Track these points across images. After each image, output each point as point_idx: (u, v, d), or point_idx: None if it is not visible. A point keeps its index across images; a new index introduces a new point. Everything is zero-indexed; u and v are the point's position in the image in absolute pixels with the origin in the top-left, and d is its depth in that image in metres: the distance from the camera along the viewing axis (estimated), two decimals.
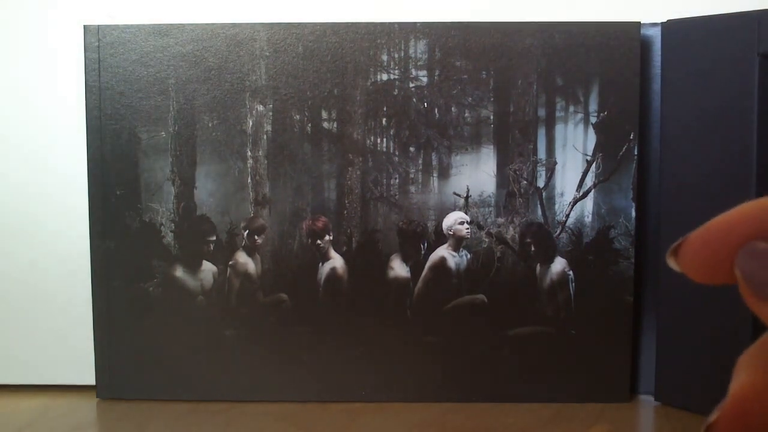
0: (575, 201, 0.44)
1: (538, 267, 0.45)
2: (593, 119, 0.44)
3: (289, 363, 0.45)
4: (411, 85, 0.44)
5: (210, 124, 0.45)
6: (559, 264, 0.45)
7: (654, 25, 0.44)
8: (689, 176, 0.42)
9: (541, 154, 0.44)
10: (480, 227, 0.45)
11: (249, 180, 0.45)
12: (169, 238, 0.45)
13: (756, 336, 0.44)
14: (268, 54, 0.44)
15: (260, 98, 0.44)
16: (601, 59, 0.43)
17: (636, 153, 0.44)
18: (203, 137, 0.45)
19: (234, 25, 0.44)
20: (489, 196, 0.45)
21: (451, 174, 0.45)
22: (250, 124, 0.45)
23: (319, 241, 0.45)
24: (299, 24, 0.44)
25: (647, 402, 0.46)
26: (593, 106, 0.44)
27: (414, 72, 0.44)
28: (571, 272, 0.45)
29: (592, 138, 0.44)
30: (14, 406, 0.46)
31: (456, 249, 0.45)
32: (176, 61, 0.44)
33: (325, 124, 0.45)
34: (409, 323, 0.45)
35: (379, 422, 0.43)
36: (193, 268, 0.45)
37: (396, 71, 0.44)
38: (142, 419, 0.43)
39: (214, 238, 0.45)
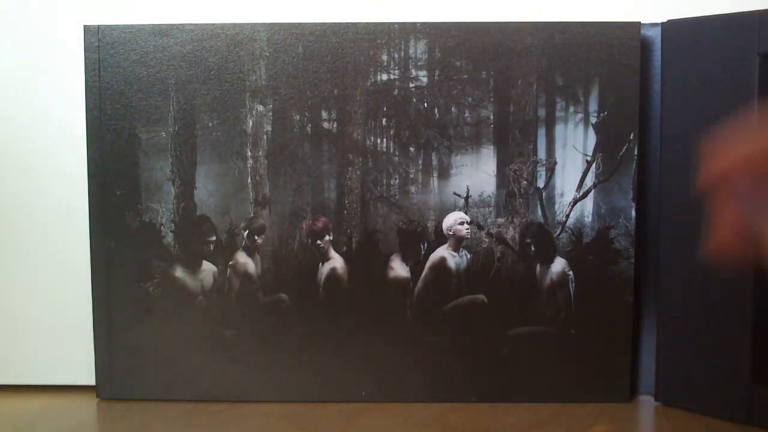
0: (575, 201, 0.44)
1: (538, 267, 0.45)
2: (593, 119, 0.44)
3: (289, 363, 0.45)
4: (411, 85, 0.44)
5: (210, 124, 0.45)
6: (559, 264, 0.45)
7: (654, 25, 0.44)
8: (689, 176, 0.42)
9: (541, 154, 0.44)
10: (480, 227, 0.45)
11: (249, 180, 0.45)
12: (169, 238, 0.45)
13: (755, 335, 0.44)
14: (268, 54, 0.44)
15: (260, 98, 0.44)
16: (601, 59, 0.43)
17: (636, 153, 0.44)
18: (203, 137, 0.45)
19: (234, 25, 0.44)
20: (489, 197, 0.45)
21: (451, 174, 0.45)
22: (250, 124, 0.45)
23: (319, 241, 0.45)
24: (299, 24, 0.44)
25: (647, 402, 0.46)
26: (593, 106, 0.44)
27: (414, 72, 0.44)
28: (571, 272, 0.45)
29: (592, 138, 0.44)
30: (14, 406, 0.46)
31: (456, 249, 0.45)
32: (176, 61, 0.44)
33: (325, 124, 0.45)
34: (409, 323, 0.45)
35: (379, 422, 0.43)
36: (193, 268, 0.45)
37: (396, 71, 0.44)
38: (142, 419, 0.43)
39: (214, 238, 0.45)
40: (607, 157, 0.44)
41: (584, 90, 0.44)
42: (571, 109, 0.44)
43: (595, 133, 0.44)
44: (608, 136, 0.44)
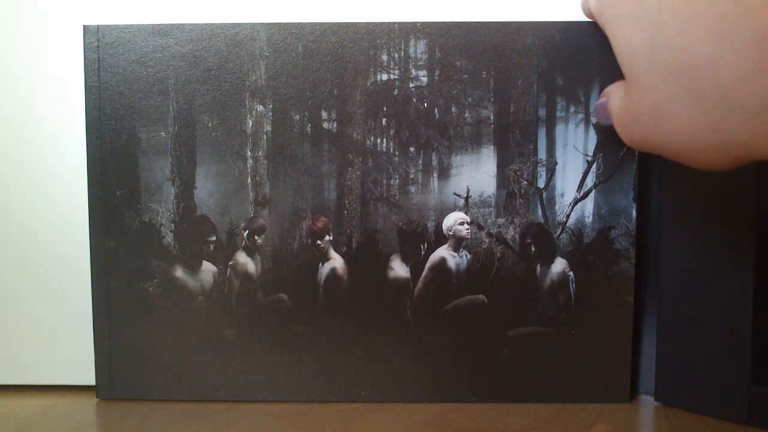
0: (576, 201, 0.44)
1: (538, 267, 0.45)
2: (594, 119, 0.44)
3: (289, 363, 0.46)
4: (411, 85, 0.44)
5: (210, 125, 0.45)
6: (559, 264, 0.45)
7: None
8: (689, 176, 0.42)
9: (542, 154, 0.44)
10: (480, 228, 0.45)
11: (249, 180, 0.45)
12: (169, 238, 0.45)
13: (755, 335, 0.43)
14: (267, 54, 0.44)
15: (260, 98, 0.44)
16: (601, 59, 0.43)
17: (637, 153, 0.44)
18: (203, 137, 0.45)
19: (234, 25, 0.44)
20: (489, 197, 0.45)
21: (451, 174, 0.45)
22: (250, 124, 0.45)
23: (319, 241, 0.45)
24: (299, 24, 0.44)
25: (647, 402, 0.46)
26: (594, 107, 0.44)
27: (414, 72, 0.44)
28: (571, 273, 0.45)
29: (592, 138, 0.44)
30: (14, 406, 0.46)
31: (456, 249, 0.45)
32: (176, 61, 0.44)
33: (325, 124, 0.45)
34: (409, 323, 0.45)
35: (379, 422, 0.43)
36: (193, 268, 0.45)
37: (396, 71, 0.44)
38: (142, 419, 0.43)
39: (214, 238, 0.45)
40: (607, 157, 0.44)
41: (585, 90, 0.44)
42: (572, 109, 0.44)
43: (596, 133, 0.44)
44: (609, 136, 0.44)
